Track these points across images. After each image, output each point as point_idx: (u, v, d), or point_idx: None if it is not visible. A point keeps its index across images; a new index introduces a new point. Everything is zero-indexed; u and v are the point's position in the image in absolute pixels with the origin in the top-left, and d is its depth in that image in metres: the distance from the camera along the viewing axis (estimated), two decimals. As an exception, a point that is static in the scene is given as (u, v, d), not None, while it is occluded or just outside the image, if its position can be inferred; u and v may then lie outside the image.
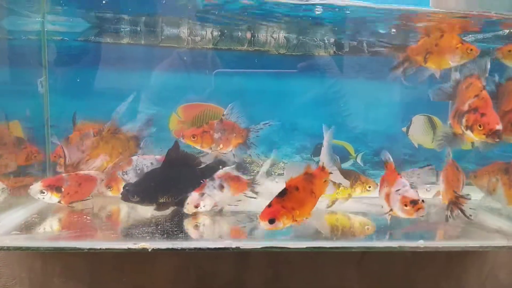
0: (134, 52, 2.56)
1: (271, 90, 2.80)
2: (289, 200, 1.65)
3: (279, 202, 1.64)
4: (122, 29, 2.49)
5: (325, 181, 1.78)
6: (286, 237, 1.81)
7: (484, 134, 1.82)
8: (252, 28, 2.57)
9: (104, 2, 2.24)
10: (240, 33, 2.59)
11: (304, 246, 1.76)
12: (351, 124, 2.73)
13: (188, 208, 2.01)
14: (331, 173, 1.79)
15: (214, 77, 2.64)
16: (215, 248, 1.76)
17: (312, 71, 2.74)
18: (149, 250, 1.72)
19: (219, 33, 2.58)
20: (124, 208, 2.19)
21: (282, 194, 1.66)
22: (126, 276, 2.03)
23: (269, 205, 1.64)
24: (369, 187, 2.23)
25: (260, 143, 2.75)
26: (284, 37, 2.60)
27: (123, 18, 2.44)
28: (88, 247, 1.73)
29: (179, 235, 1.83)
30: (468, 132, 1.90)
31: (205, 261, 2.06)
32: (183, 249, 1.75)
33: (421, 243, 1.82)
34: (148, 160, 2.19)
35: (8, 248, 1.74)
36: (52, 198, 2.00)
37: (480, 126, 1.83)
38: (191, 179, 2.08)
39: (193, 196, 2.02)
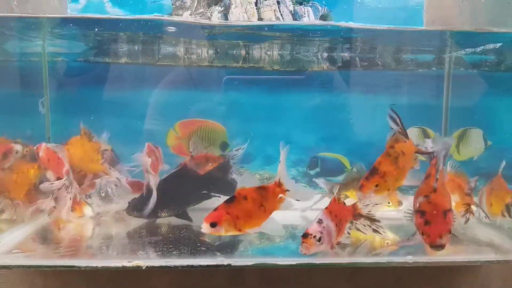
0: (132, 71, 2.63)
1: (266, 103, 2.85)
2: (235, 208, 1.65)
3: (224, 208, 1.64)
4: (120, 49, 2.56)
5: (280, 197, 1.74)
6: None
7: (426, 243, 1.69)
8: (247, 45, 2.62)
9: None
10: (235, 51, 2.65)
11: (295, 263, 1.80)
12: (346, 137, 2.77)
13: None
14: (287, 190, 1.74)
15: (206, 91, 2.70)
16: (207, 266, 1.81)
17: (306, 85, 2.78)
18: (143, 268, 1.77)
19: (215, 50, 2.64)
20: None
21: (230, 200, 1.66)
22: (124, 291, 2.09)
23: (215, 209, 1.65)
24: (389, 203, 2.21)
25: (255, 156, 2.81)
26: (278, 53, 2.65)
27: (120, 38, 2.51)
28: (84, 265, 1.79)
29: (173, 252, 1.88)
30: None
31: (200, 276, 2.11)
32: (176, 267, 1.80)
33: (409, 259, 1.84)
34: (112, 182, 2.19)
35: (9, 267, 1.81)
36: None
37: (422, 234, 1.69)
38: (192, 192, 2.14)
39: None
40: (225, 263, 1.80)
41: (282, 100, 2.81)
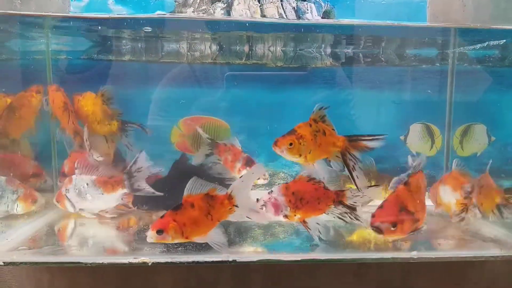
0: (136, 68, 2.63)
1: (269, 100, 2.85)
2: (182, 215, 1.66)
3: (171, 215, 1.66)
4: (123, 46, 2.56)
5: (230, 209, 1.75)
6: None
7: (370, 223, 1.83)
8: (250, 41, 2.62)
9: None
10: (238, 47, 2.65)
11: (299, 259, 1.81)
12: (349, 133, 2.76)
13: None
14: (236, 205, 1.75)
15: (214, 89, 2.70)
16: (212, 262, 1.81)
17: (309, 82, 2.78)
18: (149, 264, 1.78)
19: (218, 47, 2.64)
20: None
21: (177, 208, 1.67)
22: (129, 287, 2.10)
23: (162, 216, 1.67)
24: None
25: (259, 153, 2.81)
26: (281, 50, 2.65)
27: (124, 35, 2.51)
28: (90, 261, 1.80)
29: (179, 248, 1.89)
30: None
31: (205, 271, 2.11)
32: (181, 263, 1.81)
33: (414, 254, 1.85)
34: (84, 180, 2.17)
35: (15, 264, 1.82)
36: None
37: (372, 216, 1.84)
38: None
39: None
40: (230, 259, 1.81)
41: (286, 96, 2.80)
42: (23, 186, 2.20)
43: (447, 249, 2.02)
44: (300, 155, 1.82)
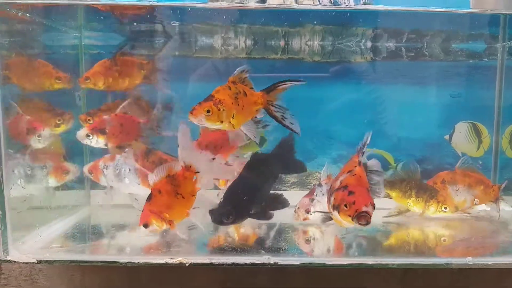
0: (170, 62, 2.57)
1: (306, 97, 2.74)
2: (155, 204, 1.68)
3: (147, 207, 1.68)
4: (156, 41, 2.50)
5: (194, 179, 1.75)
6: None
7: (349, 215, 1.53)
8: (286, 35, 2.53)
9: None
10: (273, 42, 2.56)
11: (345, 263, 1.70)
12: (390, 132, 2.64)
13: (299, 213, 1.98)
14: (198, 171, 1.74)
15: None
16: (252, 264, 1.72)
17: (348, 78, 2.67)
18: (187, 265, 1.70)
19: (253, 42, 2.55)
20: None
21: (148, 199, 1.70)
22: (163, 289, 2.03)
23: (142, 211, 1.68)
24: (445, 208, 2.10)
25: (296, 152, 2.71)
26: (319, 44, 2.55)
27: (157, 29, 2.45)
28: (126, 261, 1.73)
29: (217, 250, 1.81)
30: (335, 213, 1.60)
31: (243, 275, 2.02)
32: (220, 265, 1.72)
33: (469, 261, 1.72)
34: (127, 166, 2.12)
35: (49, 262, 1.76)
36: (98, 141, 2.06)
37: (346, 206, 1.54)
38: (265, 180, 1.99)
39: (304, 201, 1.99)
40: (272, 262, 1.71)
41: (322, 93, 2.69)
42: (51, 160, 2.14)
43: (502, 254, 1.88)
44: (222, 122, 1.66)
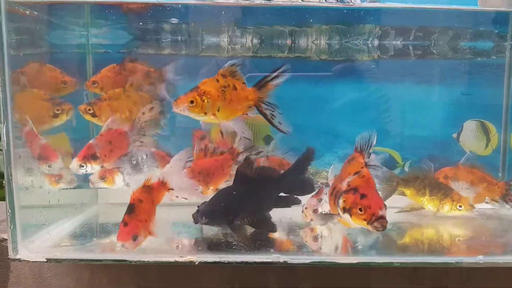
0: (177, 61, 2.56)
1: (312, 95, 2.74)
2: (140, 213, 1.67)
3: (133, 218, 1.65)
4: (163, 40, 2.50)
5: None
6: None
7: (364, 219, 1.52)
8: (293, 34, 2.52)
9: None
10: (280, 40, 2.56)
11: (355, 261, 1.69)
12: (397, 130, 2.63)
13: (306, 213, 1.98)
14: (171, 188, 1.75)
15: (250, 82, 2.61)
16: (262, 263, 1.72)
17: (355, 76, 2.66)
18: (196, 263, 1.70)
19: (259, 40, 2.55)
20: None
21: (131, 210, 1.66)
22: (171, 288, 2.03)
23: (125, 224, 1.64)
24: (460, 206, 2.10)
25: (300, 150, 2.70)
26: (326, 42, 2.54)
27: (164, 28, 2.45)
28: (135, 259, 1.73)
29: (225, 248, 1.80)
30: (346, 216, 1.59)
31: (251, 274, 2.01)
32: (229, 263, 1.72)
33: (480, 259, 1.71)
34: (143, 152, 2.11)
35: (58, 261, 1.76)
36: (93, 167, 2.03)
37: (360, 210, 1.53)
38: (269, 195, 1.95)
39: (311, 201, 1.99)
40: (281, 260, 1.71)
41: (329, 91, 2.69)
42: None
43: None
44: (206, 113, 1.65)
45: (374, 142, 1.70)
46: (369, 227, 1.53)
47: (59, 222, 2.09)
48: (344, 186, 1.64)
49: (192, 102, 1.62)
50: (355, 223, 1.57)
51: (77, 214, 2.20)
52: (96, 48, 2.50)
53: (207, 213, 1.85)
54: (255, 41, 2.55)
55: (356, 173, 1.65)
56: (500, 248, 1.95)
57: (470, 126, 2.49)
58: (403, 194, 2.18)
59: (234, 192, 1.92)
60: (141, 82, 2.30)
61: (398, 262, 1.70)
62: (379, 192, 2.11)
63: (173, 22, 2.37)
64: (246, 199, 1.91)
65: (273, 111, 1.76)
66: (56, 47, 2.40)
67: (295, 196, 1.97)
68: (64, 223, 2.09)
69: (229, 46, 2.56)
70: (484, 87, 2.63)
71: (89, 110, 2.13)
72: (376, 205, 1.53)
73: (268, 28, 2.50)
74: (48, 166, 2.08)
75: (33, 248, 1.78)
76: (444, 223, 2.21)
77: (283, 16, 2.41)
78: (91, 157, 2.01)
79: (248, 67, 2.60)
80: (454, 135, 2.51)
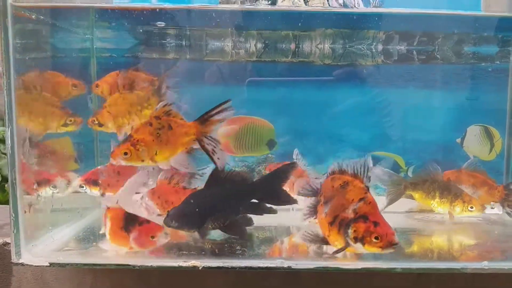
0: (180, 66, 2.57)
1: (316, 100, 2.74)
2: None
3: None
4: (167, 44, 2.51)
5: None
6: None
7: (381, 247, 1.52)
8: (297, 39, 2.53)
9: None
10: (284, 45, 2.56)
11: (360, 267, 1.68)
12: (401, 134, 2.62)
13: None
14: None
15: (254, 86, 2.61)
16: (266, 268, 1.71)
17: (357, 81, 2.66)
18: (200, 268, 1.69)
19: (263, 45, 2.55)
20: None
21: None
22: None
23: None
24: (471, 207, 2.09)
25: (303, 154, 2.70)
26: (330, 47, 2.54)
27: (168, 33, 2.46)
28: (139, 264, 1.72)
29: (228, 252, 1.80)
30: (358, 245, 1.56)
31: (255, 278, 2.01)
32: (233, 268, 1.71)
33: (485, 265, 1.70)
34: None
35: (61, 265, 1.76)
36: (92, 192, 2.10)
37: (376, 238, 1.52)
38: (239, 201, 1.94)
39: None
40: (285, 265, 1.70)
41: (332, 96, 2.69)
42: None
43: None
44: (143, 160, 1.70)
45: (371, 165, 1.66)
46: (382, 251, 1.54)
47: (63, 226, 2.08)
48: (350, 213, 1.60)
49: (126, 153, 1.69)
50: (368, 250, 1.56)
51: (80, 218, 2.20)
52: (100, 52, 2.50)
53: (177, 217, 1.83)
54: (259, 45, 2.56)
55: (360, 199, 1.61)
56: (504, 254, 1.94)
57: (474, 131, 2.48)
58: (411, 197, 2.18)
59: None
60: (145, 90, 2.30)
61: (402, 268, 1.69)
62: (388, 196, 2.16)
63: (177, 27, 2.38)
64: (217, 203, 1.90)
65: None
66: (61, 51, 2.41)
67: (269, 205, 1.95)
68: (67, 227, 2.09)
69: (233, 51, 2.56)
70: (488, 92, 2.62)
71: (95, 121, 2.17)
72: (390, 232, 1.53)
73: (272, 32, 2.50)
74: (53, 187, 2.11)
75: (36, 252, 1.78)
76: (448, 228, 2.20)
77: (287, 21, 2.41)
78: (92, 182, 2.09)
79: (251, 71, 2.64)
80: (458, 140, 2.51)
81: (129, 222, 1.74)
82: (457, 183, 2.23)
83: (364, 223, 1.55)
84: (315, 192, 1.81)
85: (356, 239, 1.56)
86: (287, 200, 1.95)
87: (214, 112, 1.77)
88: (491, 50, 2.56)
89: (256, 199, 1.96)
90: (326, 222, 1.67)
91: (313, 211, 1.78)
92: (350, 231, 1.57)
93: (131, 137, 1.73)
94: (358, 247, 1.57)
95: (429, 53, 2.54)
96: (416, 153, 2.57)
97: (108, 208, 1.81)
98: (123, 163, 1.71)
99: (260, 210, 1.95)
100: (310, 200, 1.79)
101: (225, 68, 2.62)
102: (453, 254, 1.87)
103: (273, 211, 1.95)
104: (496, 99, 2.60)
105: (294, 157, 2.15)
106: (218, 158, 1.77)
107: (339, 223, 1.62)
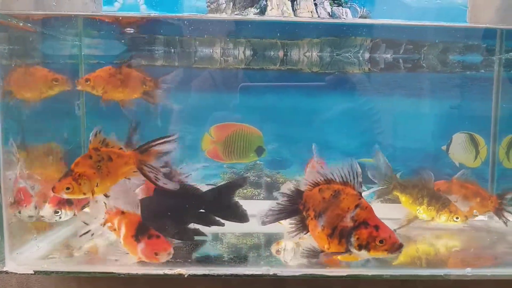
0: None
1: (303, 107, 2.76)
2: None
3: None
4: (156, 51, 2.52)
5: None
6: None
7: (386, 250, 1.52)
8: (285, 47, 2.55)
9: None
10: (272, 52, 2.58)
11: (345, 274, 1.69)
12: (387, 142, 2.65)
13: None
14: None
15: (244, 93, 2.62)
16: (252, 275, 1.71)
17: (345, 88, 2.68)
18: (185, 276, 1.69)
19: (252, 52, 2.57)
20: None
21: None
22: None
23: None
24: (457, 218, 2.13)
25: (292, 161, 2.71)
26: (317, 55, 2.57)
27: (157, 40, 2.47)
28: (125, 271, 1.72)
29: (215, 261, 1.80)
30: (363, 252, 1.54)
31: (242, 285, 2.01)
32: (219, 276, 1.71)
33: (468, 272, 1.72)
34: None
35: (46, 273, 1.75)
36: (67, 213, 2.01)
37: (381, 242, 1.51)
38: (186, 210, 1.98)
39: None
40: (271, 273, 1.71)
41: (320, 103, 2.71)
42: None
43: (502, 265, 1.88)
44: (85, 194, 1.71)
45: (360, 170, 1.63)
46: (386, 255, 1.53)
47: (47, 234, 2.07)
48: (349, 222, 1.58)
49: (68, 188, 1.69)
50: (373, 255, 1.55)
51: (65, 226, 2.18)
52: (89, 59, 2.51)
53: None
54: (248, 53, 2.57)
55: (356, 206, 1.59)
56: (488, 261, 1.96)
57: (459, 139, 2.51)
58: (397, 199, 2.20)
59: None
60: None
61: (387, 275, 1.71)
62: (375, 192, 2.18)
63: (166, 34, 2.39)
64: (164, 210, 1.93)
65: (156, 174, 1.78)
66: (48, 58, 2.41)
67: (217, 218, 1.97)
68: (52, 235, 2.08)
69: (221, 58, 2.58)
70: (473, 100, 2.66)
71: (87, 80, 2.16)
72: (392, 233, 1.53)
73: (260, 40, 2.53)
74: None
75: (21, 260, 1.77)
76: (433, 235, 2.22)
77: (276, 30, 2.43)
78: (66, 202, 2.02)
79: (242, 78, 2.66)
80: (444, 148, 2.53)
81: (139, 232, 1.73)
82: (449, 194, 2.24)
83: (365, 229, 1.53)
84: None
85: (360, 247, 1.53)
86: (238, 215, 1.95)
87: (155, 143, 1.77)
88: (476, 59, 2.60)
89: (205, 210, 1.98)
90: (325, 235, 1.62)
91: (301, 227, 1.73)
92: (352, 239, 1.54)
93: (71, 171, 1.72)
94: (363, 254, 1.54)
95: (415, 61, 2.58)
96: (403, 160, 2.59)
97: (123, 212, 1.80)
98: (65, 196, 1.72)
99: (207, 221, 1.97)
100: (291, 220, 1.75)
101: (214, 75, 2.63)
102: (437, 261, 1.88)
103: (220, 224, 1.96)
104: (481, 107, 2.63)
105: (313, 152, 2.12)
106: (164, 184, 1.77)
107: (339, 233, 1.58)
